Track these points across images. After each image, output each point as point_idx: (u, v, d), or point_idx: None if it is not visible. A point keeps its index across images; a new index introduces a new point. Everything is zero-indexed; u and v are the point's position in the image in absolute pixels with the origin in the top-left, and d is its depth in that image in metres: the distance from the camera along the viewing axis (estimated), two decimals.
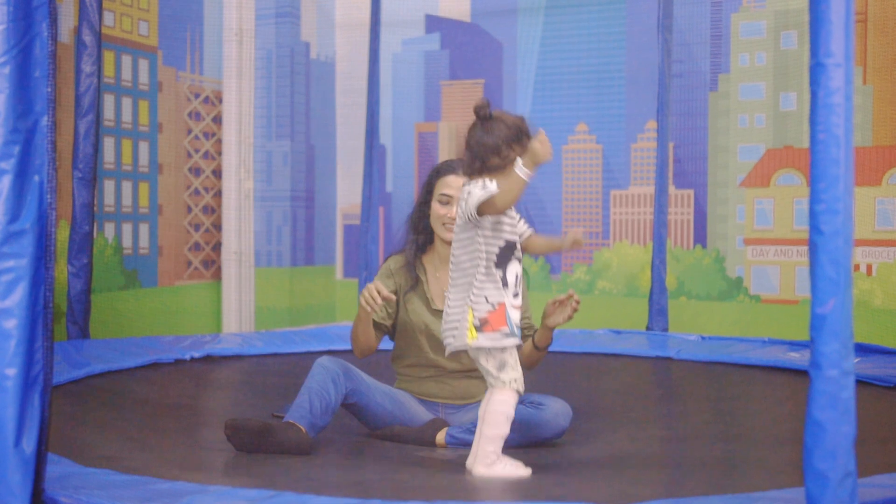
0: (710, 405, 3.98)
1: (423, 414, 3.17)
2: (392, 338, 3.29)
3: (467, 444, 2.88)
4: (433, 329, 3.13)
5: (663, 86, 5.50)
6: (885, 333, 5.50)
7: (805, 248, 5.91)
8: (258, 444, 2.78)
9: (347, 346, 4.93)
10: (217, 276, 6.22)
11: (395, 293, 3.19)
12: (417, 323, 3.15)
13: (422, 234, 3.24)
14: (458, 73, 6.74)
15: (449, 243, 3.12)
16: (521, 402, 2.85)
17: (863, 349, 4.82)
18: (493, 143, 2.50)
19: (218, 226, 6.25)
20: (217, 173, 6.25)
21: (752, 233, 6.03)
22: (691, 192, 6.15)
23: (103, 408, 3.53)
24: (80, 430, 3.04)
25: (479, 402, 3.20)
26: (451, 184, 3.13)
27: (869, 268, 5.75)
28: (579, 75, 6.35)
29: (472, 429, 2.93)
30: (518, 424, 2.77)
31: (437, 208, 3.17)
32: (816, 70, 1.99)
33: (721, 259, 6.10)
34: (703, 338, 5.42)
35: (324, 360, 3.01)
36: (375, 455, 2.87)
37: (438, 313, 3.11)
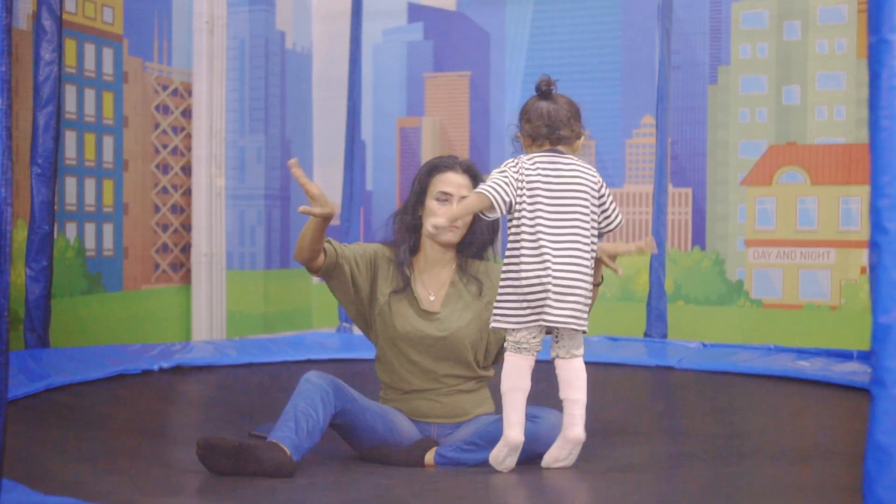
0: (720, 418, 3.86)
1: (415, 436, 3.08)
2: (361, 326, 3.18)
3: (458, 464, 2.85)
4: (422, 330, 3.04)
5: (663, 77, 5.38)
6: None
7: (809, 251, 5.87)
8: (235, 466, 2.63)
9: (329, 355, 4.92)
10: (186, 279, 6.18)
11: (372, 274, 3.12)
12: (403, 327, 3.06)
13: (414, 235, 3.16)
14: (442, 64, 6.66)
15: (443, 245, 3.08)
16: None
17: None
18: (564, 116, 2.76)
19: (187, 226, 6.20)
20: (186, 170, 6.20)
21: (754, 234, 5.98)
22: (689, 190, 6.08)
23: (64, 426, 3.36)
24: (38, 452, 2.87)
25: (473, 418, 3.10)
26: (451, 181, 3.08)
27: None
28: (571, 67, 6.25)
29: (463, 447, 2.85)
30: None
31: (434, 207, 3.09)
32: (879, 48, 1.80)
33: (721, 261, 6.03)
34: (704, 345, 5.33)
35: (312, 375, 2.88)
36: (362, 476, 2.77)
37: (427, 314, 3.05)
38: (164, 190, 6.10)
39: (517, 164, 2.73)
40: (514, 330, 2.72)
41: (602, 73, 6.24)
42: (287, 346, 5.12)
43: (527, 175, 2.70)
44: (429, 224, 2.70)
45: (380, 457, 2.96)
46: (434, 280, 3.14)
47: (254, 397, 4.06)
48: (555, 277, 2.65)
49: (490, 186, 2.67)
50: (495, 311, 2.74)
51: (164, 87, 6.08)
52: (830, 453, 3.06)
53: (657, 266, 5.47)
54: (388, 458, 2.94)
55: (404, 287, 3.11)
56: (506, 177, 2.69)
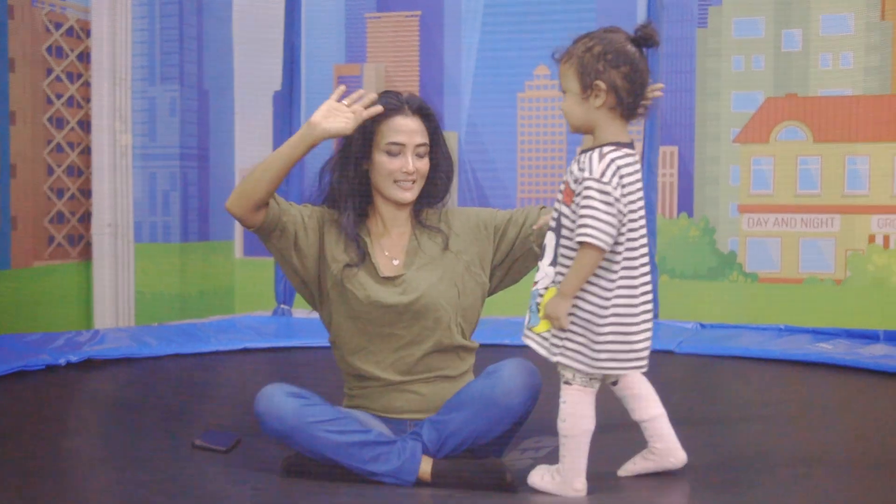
0: (747, 412, 3.68)
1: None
2: (313, 303, 2.99)
3: (443, 439, 2.72)
4: (385, 299, 2.84)
5: (655, 15, 5.19)
6: None
7: (811, 217, 5.81)
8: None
9: (267, 343, 4.80)
10: (86, 255, 6.04)
11: (320, 240, 2.92)
12: (366, 299, 2.84)
13: (360, 197, 2.92)
14: (387, 3, 6.56)
15: (400, 204, 2.89)
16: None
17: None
18: None
19: (87, 191, 6.05)
20: (85, 125, 6.04)
21: (748, 198, 5.97)
22: (675, 149, 6.01)
23: None
24: None
25: None
26: (402, 127, 2.87)
27: (886, 239, 5.71)
28: (538, 7, 6.17)
29: (438, 419, 2.74)
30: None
31: (384, 162, 2.85)
32: None
33: (711, 230, 5.99)
34: (702, 325, 5.28)
35: (275, 394, 2.70)
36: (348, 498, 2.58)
37: (388, 280, 2.87)
38: (59, 148, 5.92)
39: (617, 174, 2.36)
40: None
41: (574, 12, 6.13)
42: (216, 332, 5.00)
43: (626, 190, 2.38)
44: (555, 324, 2.45)
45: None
46: (396, 243, 2.95)
47: (184, 395, 3.89)
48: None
49: (601, 231, 2.32)
50: (578, 352, 2.46)
51: (58, 26, 5.90)
52: None
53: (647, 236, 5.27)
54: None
55: (361, 260, 2.89)
56: (613, 208, 2.33)
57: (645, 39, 2.39)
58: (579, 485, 2.49)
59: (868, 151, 5.65)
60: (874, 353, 4.38)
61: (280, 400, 2.67)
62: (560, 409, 2.47)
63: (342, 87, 2.80)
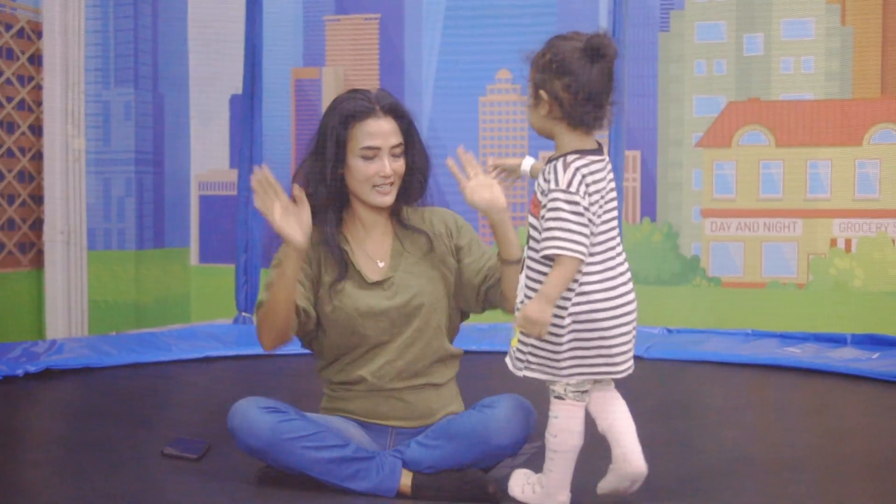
0: (723, 417, 3.70)
1: (368, 446, 2.78)
2: (310, 343, 2.90)
3: (426, 464, 2.68)
4: (376, 305, 2.79)
5: (619, 20, 5.18)
6: (867, 319, 5.45)
7: (773, 222, 5.82)
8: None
9: (230, 351, 4.77)
10: (38, 262, 6.02)
11: (316, 267, 2.86)
12: (355, 309, 2.79)
13: (339, 204, 2.86)
14: (346, 6, 6.47)
15: (380, 207, 2.83)
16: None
17: (876, 341, 4.76)
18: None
19: (39, 197, 6.02)
20: (36, 129, 6.01)
21: (711, 203, 5.96)
22: (637, 153, 5.98)
23: None
24: None
25: (443, 417, 2.84)
26: (376, 131, 2.79)
27: (848, 243, 5.74)
28: (500, 10, 6.12)
29: (426, 443, 2.68)
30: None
31: (361, 167, 2.78)
32: None
33: (674, 235, 5.97)
34: (669, 330, 5.33)
35: (249, 409, 2.66)
36: None
37: (377, 285, 2.82)
38: (9, 153, 5.89)
39: (583, 182, 2.32)
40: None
41: (537, 15, 6.09)
42: (176, 340, 4.98)
43: (593, 199, 2.33)
44: (530, 329, 2.37)
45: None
46: (379, 246, 2.89)
47: (148, 404, 3.90)
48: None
49: (573, 242, 2.28)
50: (543, 363, 2.42)
51: (8, 27, 5.88)
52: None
53: None
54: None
55: (344, 273, 2.83)
56: (583, 217, 2.29)
57: (592, 51, 2.31)
58: (563, 497, 2.45)
59: (829, 156, 5.68)
60: (844, 357, 4.43)
61: (255, 415, 2.62)
62: (551, 423, 2.42)
63: (255, 183, 2.70)
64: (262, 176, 2.66)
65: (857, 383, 4.06)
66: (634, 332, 2.41)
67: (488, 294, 2.76)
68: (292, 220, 2.65)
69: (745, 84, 5.86)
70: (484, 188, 2.69)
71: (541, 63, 2.34)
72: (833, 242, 5.68)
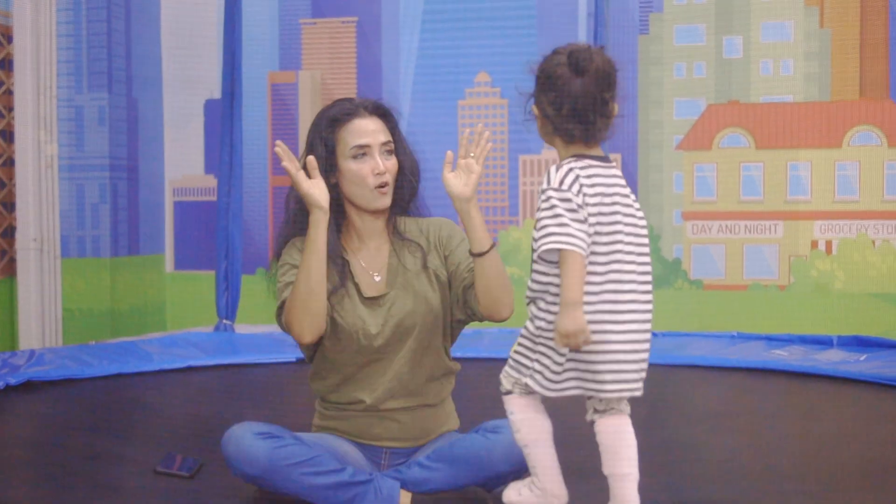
0: (716, 424, 3.68)
1: (362, 466, 2.77)
2: (314, 349, 2.85)
3: (427, 488, 2.67)
4: (369, 325, 2.75)
5: (600, 20, 5.16)
6: (849, 321, 5.48)
7: (754, 224, 5.85)
8: None
9: (212, 360, 4.76)
10: (10, 270, 5.93)
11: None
12: (349, 328, 2.75)
13: (336, 212, 2.80)
14: (322, 9, 6.44)
15: (377, 213, 2.81)
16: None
17: (862, 343, 4.80)
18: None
19: (11, 205, 5.94)
20: (8, 135, 5.92)
21: (692, 205, 5.99)
22: (618, 156, 5.95)
23: None
24: None
25: (440, 436, 2.82)
26: (363, 130, 2.77)
27: (828, 245, 5.77)
28: (479, 13, 6.11)
29: (427, 464, 2.67)
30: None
31: (354, 168, 2.75)
32: None
33: (655, 238, 5.94)
34: (654, 334, 5.09)
35: (244, 436, 2.64)
36: None
37: (373, 302, 2.78)
38: None
39: (577, 181, 2.26)
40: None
41: (515, 18, 6.10)
42: (158, 350, 4.96)
43: (592, 200, 2.28)
44: (569, 342, 2.23)
45: None
46: (375, 257, 2.85)
47: (134, 416, 3.87)
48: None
49: (570, 236, 2.21)
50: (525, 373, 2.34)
51: None
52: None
53: None
54: None
55: (343, 282, 2.78)
56: (578, 214, 2.23)
57: (574, 65, 2.29)
58: (559, 491, 2.39)
59: (809, 158, 5.71)
60: (831, 359, 4.45)
61: (250, 442, 2.59)
62: (510, 421, 2.37)
63: (279, 149, 2.67)
64: (283, 147, 2.64)
65: (847, 386, 4.09)
66: (642, 354, 2.32)
67: (466, 296, 2.72)
68: (315, 186, 2.62)
69: (725, 86, 5.89)
70: (458, 176, 2.64)
71: (536, 77, 2.34)
72: (814, 244, 5.72)
